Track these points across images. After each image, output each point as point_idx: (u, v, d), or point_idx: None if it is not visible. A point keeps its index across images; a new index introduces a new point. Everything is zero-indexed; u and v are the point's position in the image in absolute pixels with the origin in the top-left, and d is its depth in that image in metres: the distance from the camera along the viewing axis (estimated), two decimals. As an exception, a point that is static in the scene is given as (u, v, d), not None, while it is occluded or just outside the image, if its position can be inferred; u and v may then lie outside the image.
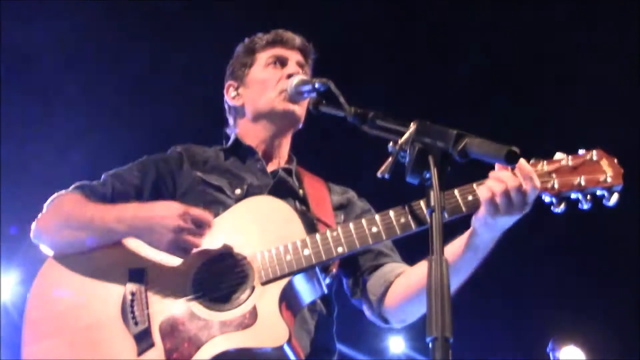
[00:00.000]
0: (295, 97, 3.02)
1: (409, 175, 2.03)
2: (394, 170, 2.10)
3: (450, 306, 1.79)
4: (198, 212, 2.67)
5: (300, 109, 3.13)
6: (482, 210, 2.51)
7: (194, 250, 2.65)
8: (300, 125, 3.23)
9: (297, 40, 3.29)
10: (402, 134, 2.09)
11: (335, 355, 2.95)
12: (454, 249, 2.65)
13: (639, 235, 6.38)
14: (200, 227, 2.65)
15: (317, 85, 2.78)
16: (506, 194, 2.45)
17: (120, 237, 2.76)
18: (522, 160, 2.47)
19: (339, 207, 3.14)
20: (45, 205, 2.94)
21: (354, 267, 3.03)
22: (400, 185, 2.09)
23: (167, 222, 2.63)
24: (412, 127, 2.08)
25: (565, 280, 6.86)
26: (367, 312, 3.00)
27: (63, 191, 2.96)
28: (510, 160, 1.92)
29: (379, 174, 2.13)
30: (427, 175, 1.98)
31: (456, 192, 2.59)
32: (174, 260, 2.69)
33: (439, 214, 1.90)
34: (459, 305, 2.03)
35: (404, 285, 2.87)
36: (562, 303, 6.81)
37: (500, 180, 2.47)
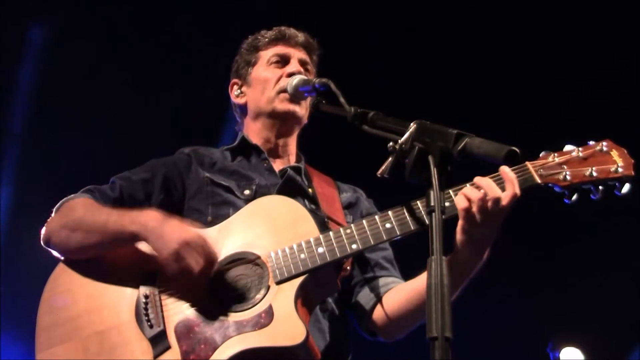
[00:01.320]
0: (295, 97, 3.03)
1: (409, 175, 2.03)
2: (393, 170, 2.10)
3: (450, 306, 1.79)
4: (209, 246, 2.62)
5: (300, 109, 3.13)
6: (460, 222, 2.45)
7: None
8: (306, 121, 3.22)
9: (300, 36, 3.27)
10: (402, 134, 2.09)
11: (350, 354, 2.93)
12: None
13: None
14: (204, 256, 2.60)
15: (317, 85, 2.78)
16: (481, 202, 2.37)
17: (131, 237, 2.69)
18: (505, 168, 2.40)
19: (348, 206, 3.13)
20: (54, 210, 2.91)
21: (349, 278, 2.97)
22: (402, 186, 2.09)
23: (178, 235, 2.59)
24: (412, 127, 2.09)
25: (566, 279, 6.81)
26: (356, 324, 2.98)
27: (72, 195, 2.93)
28: (510, 160, 1.92)
29: (378, 174, 2.12)
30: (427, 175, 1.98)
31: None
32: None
33: (439, 215, 1.90)
34: (459, 306, 2.04)
35: (393, 300, 2.86)
36: (562, 303, 6.75)
37: (467, 195, 2.41)
